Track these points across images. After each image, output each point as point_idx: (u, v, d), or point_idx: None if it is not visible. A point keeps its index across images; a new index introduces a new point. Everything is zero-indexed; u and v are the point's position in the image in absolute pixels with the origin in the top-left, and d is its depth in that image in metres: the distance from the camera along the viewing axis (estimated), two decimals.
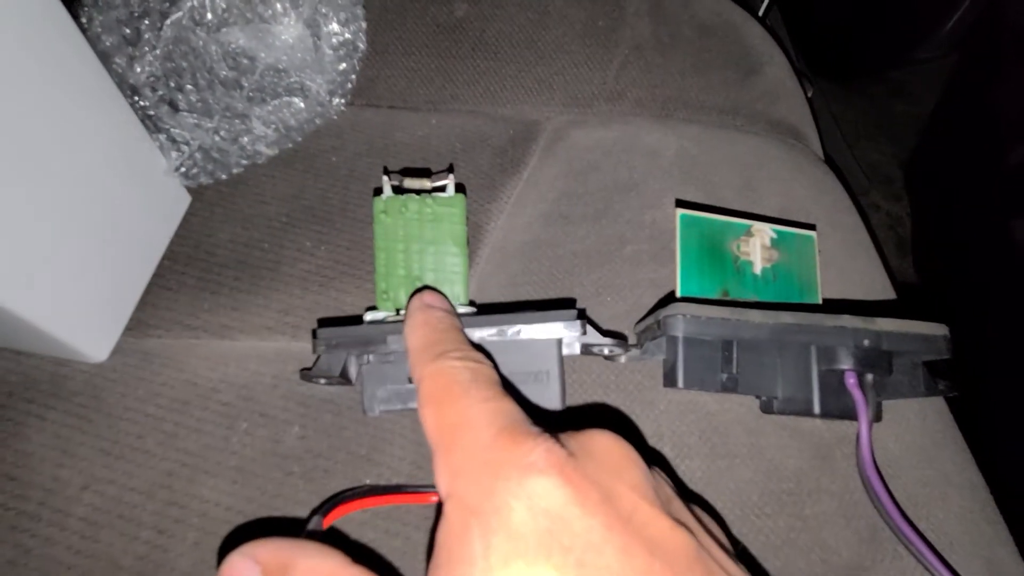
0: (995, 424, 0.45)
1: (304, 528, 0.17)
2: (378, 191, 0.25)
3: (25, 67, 0.19)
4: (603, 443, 0.14)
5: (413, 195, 0.25)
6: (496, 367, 0.17)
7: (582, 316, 0.22)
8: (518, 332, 0.21)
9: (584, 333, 0.22)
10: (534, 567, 0.12)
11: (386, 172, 0.26)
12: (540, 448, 0.13)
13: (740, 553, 0.14)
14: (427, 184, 0.25)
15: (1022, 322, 0.47)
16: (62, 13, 0.20)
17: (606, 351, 0.23)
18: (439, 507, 0.14)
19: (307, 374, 0.23)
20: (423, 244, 0.25)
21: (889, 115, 0.80)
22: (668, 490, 0.15)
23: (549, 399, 0.21)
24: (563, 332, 0.21)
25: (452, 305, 0.22)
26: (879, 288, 0.32)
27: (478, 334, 0.21)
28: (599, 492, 0.13)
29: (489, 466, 0.13)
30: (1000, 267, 0.52)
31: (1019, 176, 0.51)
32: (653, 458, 0.24)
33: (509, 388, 0.16)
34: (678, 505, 0.15)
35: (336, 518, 0.18)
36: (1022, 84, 0.51)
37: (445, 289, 0.25)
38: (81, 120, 0.22)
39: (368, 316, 0.24)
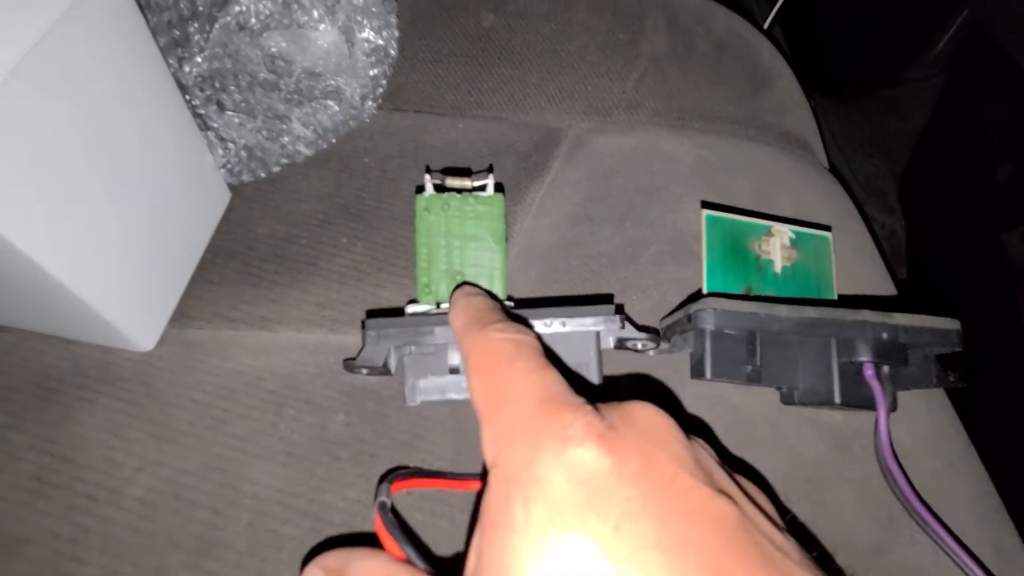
0: (989, 422, 0.47)
1: (375, 495, 0.18)
2: (420, 189, 0.27)
3: (104, 65, 0.20)
4: (644, 414, 0.14)
5: (454, 193, 0.26)
6: (539, 336, 0.18)
7: (620, 311, 0.23)
8: (562, 325, 0.22)
9: (623, 327, 0.23)
10: (570, 534, 0.12)
11: (428, 171, 0.27)
12: (580, 420, 0.13)
13: (790, 523, 0.15)
14: (468, 183, 0.27)
15: (1013, 333, 0.49)
16: (136, 14, 0.21)
17: (639, 345, 0.25)
18: (484, 474, 0.14)
19: (350, 364, 0.24)
20: (464, 240, 0.26)
21: (883, 131, 0.83)
22: (710, 461, 0.15)
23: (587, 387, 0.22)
24: (602, 325, 0.23)
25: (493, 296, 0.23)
26: (885, 290, 0.33)
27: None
28: (638, 462, 0.13)
29: (531, 437, 0.13)
30: (992, 279, 0.54)
31: (1008, 191, 0.54)
32: (695, 428, 0.25)
33: (552, 358, 0.17)
34: (721, 476, 0.15)
35: (401, 489, 0.19)
36: (1008, 103, 0.54)
37: (483, 283, 0.26)
38: (146, 115, 0.23)
39: (409, 309, 0.26)
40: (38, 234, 0.19)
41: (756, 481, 0.18)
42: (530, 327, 0.20)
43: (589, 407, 0.14)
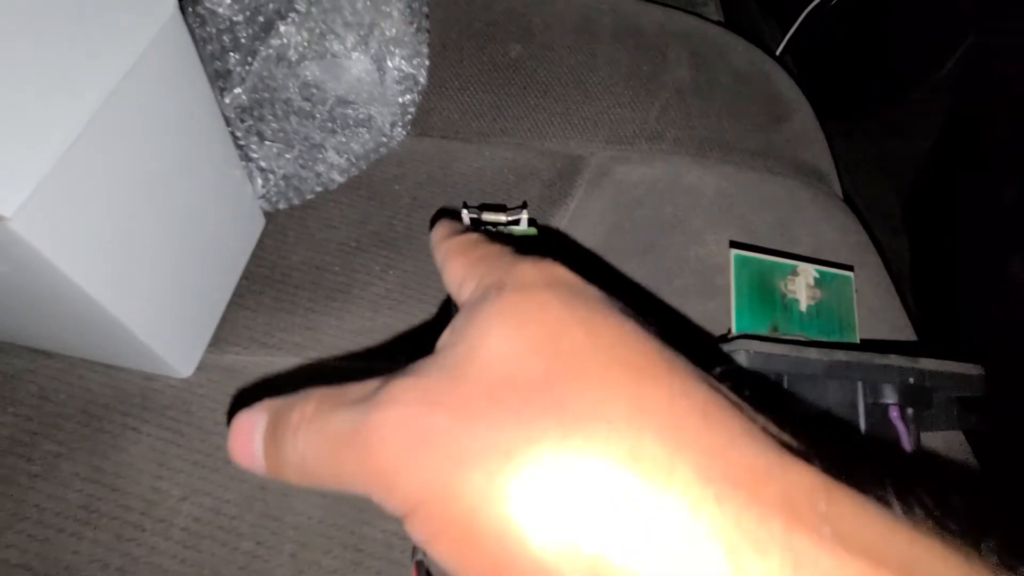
0: (996, 451, 0.48)
1: (412, 550, 0.18)
2: None
3: (166, 108, 0.21)
4: None
5: (489, 227, 0.27)
6: None
7: None
8: None
9: None
10: (537, 295, 0.13)
11: (465, 206, 0.27)
12: (557, 263, 0.15)
13: None
14: (503, 218, 0.27)
15: (1019, 355, 0.50)
16: (195, 58, 0.22)
17: None
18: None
19: None
20: None
21: (888, 152, 0.84)
22: None
23: None
24: None
25: None
26: (901, 324, 0.34)
27: None
28: (602, 293, 0.14)
29: (507, 264, 0.15)
30: (997, 302, 0.55)
31: (1013, 214, 0.55)
32: None
33: None
34: None
35: None
36: (1012, 127, 0.55)
37: None
38: (196, 150, 0.24)
39: None
40: (93, 266, 0.20)
41: None
42: None
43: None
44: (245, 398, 0.26)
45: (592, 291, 0.14)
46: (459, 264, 0.16)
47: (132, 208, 0.21)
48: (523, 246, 0.18)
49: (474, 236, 0.18)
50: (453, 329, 0.14)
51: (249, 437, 0.14)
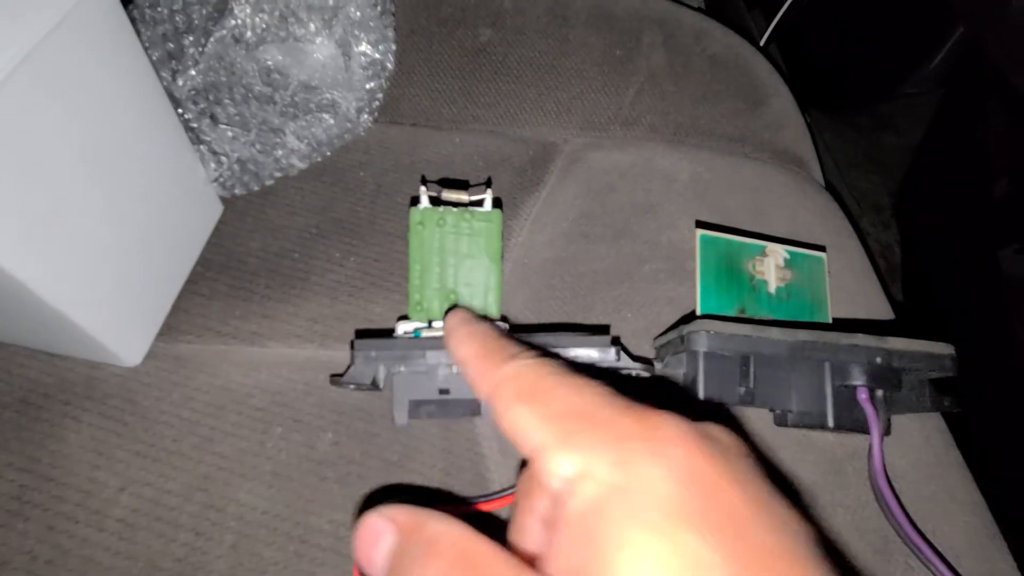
0: (984, 445, 0.47)
1: None
2: (415, 201, 0.26)
3: (94, 79, 0.20)
4: (717, 429, 0.14)
5: (450, 208, 0.26)
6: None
7: (616, 343, 0.23)
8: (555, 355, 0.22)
9: (619, 359, 0.22)
10: (687, 535, 0.11)
11: (424, 182, 0.26)
12: (670, 421, 0.13)
13: None
14: (465, 197, 0.26)
15: (1008, 348, 0.49)
16: (128, 28, 0.21)
17: (633, 373, 0.24)
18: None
19: (338, 380, 0.24)
20: (458, 257, 0.26)
21: (878, 146, 0.84)
22: None
23: None
24: (597, 356, 0.22)
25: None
26: (880, 309, 0.33)
27: None
28: (733, 468, 0.12)
29: (623, 442, 0.12)
30: (987, 295, 0.54)
31: (1005, 207, 0.54)
32: None
33: None
34: None
35: None
36: (1002, 120, 0.54)
37: (477, 302, 0.25)
38: (137, 129, 0.23)
39: (400, 326, 0.25)
40: (20, 249, 0.19)
41: None
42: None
43: (668, 412, 0.13)
44: (198, 388, 0.25)
45: (736, 499, 0.12)
46: (534, 418, 0.14)
47: (66, 185, 0.20)
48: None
49: (534, 363, 0.15)
50: (573, 553, 0.12)
51: (373, 549, 0.13)
